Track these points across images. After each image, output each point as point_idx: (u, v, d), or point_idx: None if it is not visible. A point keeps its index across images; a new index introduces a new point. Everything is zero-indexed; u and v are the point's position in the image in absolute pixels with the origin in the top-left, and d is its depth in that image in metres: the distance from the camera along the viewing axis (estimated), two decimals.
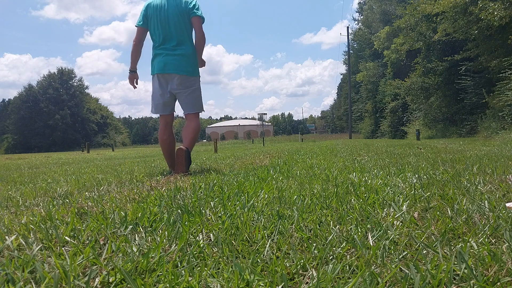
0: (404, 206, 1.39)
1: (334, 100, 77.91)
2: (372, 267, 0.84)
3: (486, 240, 1.00)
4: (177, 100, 3.39)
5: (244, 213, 1.36)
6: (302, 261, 0.89)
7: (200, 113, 3.40)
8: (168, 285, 0.78)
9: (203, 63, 3.49)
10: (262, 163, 4.14)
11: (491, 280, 0.75)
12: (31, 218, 1.44)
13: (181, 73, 3.20)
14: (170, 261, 0.92)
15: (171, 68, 3.19)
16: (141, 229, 1.22)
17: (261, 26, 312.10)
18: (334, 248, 0.98)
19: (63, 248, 1.02)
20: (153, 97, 3.35)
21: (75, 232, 1.19)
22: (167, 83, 3.24)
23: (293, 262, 0.90)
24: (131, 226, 1.24)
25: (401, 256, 0.91)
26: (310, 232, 1.15)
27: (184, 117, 3.46)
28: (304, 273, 0.85)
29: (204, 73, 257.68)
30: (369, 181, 2.13)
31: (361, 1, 42.06)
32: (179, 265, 0.91)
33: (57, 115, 61.21)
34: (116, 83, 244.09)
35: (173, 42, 3.20)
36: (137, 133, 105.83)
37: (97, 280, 0.81)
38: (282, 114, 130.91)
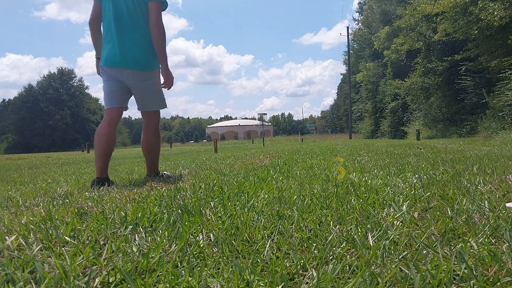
0: (404, 206, 1.39)
1: (334, 100, 77.99)
2: (372, 267, 0.84)
3: (486, 240, 1.00)
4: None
5: (244, 213, 1.36)
6: (302, 261, 0.89)
7: (159, 111, 2.89)
8: (168, 285, 0.78)
9: (168, 76, 2.75)
10: (262, 163, 4.14)
11: (491, 280, 0.75)
12: (31, 218, 1.44)
13: (131, 68, 2.66)
14: (170, 261, 0.92)
15: (119, 61, 2.64)
16: (141, 229, 1.22)
17: (262, 26, 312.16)
18: (334, 248, 0.98)
19: (63, 248, 1.02)
20: (103, 88, 2.79)
21: (75, 232, 1.19)
22: (115, 73, 2.70)
23: (293, 262, 0.90)
24: (131, 226, 1.24)
25: (401, 256, 0.91)
26: (310, 232, 1.15)
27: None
28: (304, 273, 0.85)
29: (204, 73, 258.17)
30: (369, 181, 2.13)
31: (361, 1, 42.09)
32: (179, 265, 0.91)
33: (57, 115, 61.28)
34: None
35: (123, 27, 2.62)
36: (137, 133, 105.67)
37: (97, 280, 0.81)
38: (282, 114, 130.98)
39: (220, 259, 0.93)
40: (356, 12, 51.82)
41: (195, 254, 0.97)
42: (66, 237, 1.13)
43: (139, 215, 1.39)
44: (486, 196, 1.54)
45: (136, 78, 2.70)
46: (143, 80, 2.72)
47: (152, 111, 2.86)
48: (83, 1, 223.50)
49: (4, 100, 69.60)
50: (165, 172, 3.06)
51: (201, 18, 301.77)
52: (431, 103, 19.54)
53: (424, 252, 0.93)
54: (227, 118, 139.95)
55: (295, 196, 1.67)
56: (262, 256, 0.95)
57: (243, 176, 2.68)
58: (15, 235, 1.13)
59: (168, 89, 2.83)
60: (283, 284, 0.77)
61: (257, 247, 1.02)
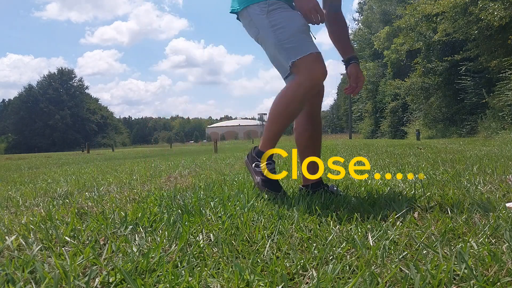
0: (404, 206, 1.39)
1: (334, 100, 77.66)
2: (372, 267, 0.84)
3: (486, 240, 1.00)
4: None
5: (244, 213, 1.36)
6: (302, 261, 0.89)
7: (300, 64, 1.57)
8: (168, 285, 0.78)
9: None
10: None
11: (491, 280, 0.75)
12: (31, 218, 1.44)
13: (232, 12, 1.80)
14: (170, 261, 0.92)
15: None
16: (141, 229, 1.22)
17: None
18: (334, 248, 0.98)
19: (63, 248, 1.02)
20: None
21: (75, 232, 1.19)
22: None
23: (293, 262, 0.90)
24: (131, 226, 1.24)
25: (401, 256, 0.91)
26: (310, 232, 1.15)
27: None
28: (304, 273, 0.85)
29: (205, 73, 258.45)
30: (369, 181, 2.13)
31: (361, 1, 42.04)
32: (179, 265, 0.91)
33: (57, 115, 61.39)
34: (117, 83, 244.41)
35: None
36: (137, 133, 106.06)
37: (97, 280, 0.81)
38: None
39: (220, 259, 0.93)
40: (356, 12, 51.68)
41: (195, 254, 0.97)
42: (66, 237, 1.13)
43: (139, 215, 1.39)
44: (486, 196, 1.54)
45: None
46: (247, 28, 1.78)
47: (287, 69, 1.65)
48: (83, 1, 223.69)
49: (4, 100, 69.81)
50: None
51: (201, 19, 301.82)
52: (431, 103, 19.54)
53: (424, 252, 0.93)
54: (227, 118, 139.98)
55: (295, 196, 1.67)
56: (262, 256, 0.95)
57: (243, 176, 2.68)
58: (15, 235, 1.13)
59: (316, 23, 1.65)
60: (283, 284, 0.77)
61: (257, 247, 1.02)
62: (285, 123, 1.70)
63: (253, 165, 1.75)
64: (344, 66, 1.90)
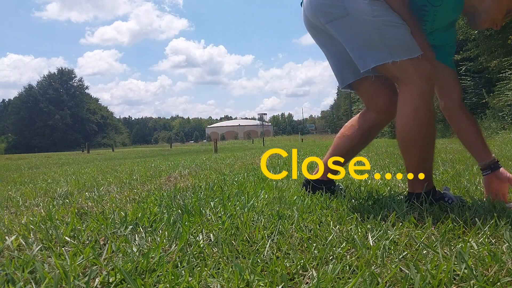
0: (404, 206, 1.38)
1: (334, 100, 77.84)
2: (372, 267, 0.84)
3: (486, 240, 1.00)
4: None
5: (244, 213, 1.36)
6: (302, 261, 0.89)
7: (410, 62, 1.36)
8: (168, 285, 0.78)
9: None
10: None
11: (491, 280, 0.75)
12: (31, 219, 1.44)
13: None
14: (170, 261, 0.92)
15: None
16: (141, 229, 1.22)
17: (262, 26, 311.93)
18: (334, 248, 0.98)
19: (63, 248, 1.02)
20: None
21: (75, 232, 1.19)
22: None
23: (293, 262, 0.90)
24: (131, 226, 1.24)
25: (401, 256, 0.91)
26: (310, 232, 1.15)
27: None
28: (304, 273, 0.85)
29: (205, 73, 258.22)
30: (369, 181, 2.13)
31: None
32: (179, 265, 0.91)
33: (57, 115, 61.46)
34: (117, 83, 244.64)
35: None
36: (137, 133, 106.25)
37: (97, 280, 0.81)
38: (282, 114, 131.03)
39: (220, 259, 0.93)
40: None
41: (195, 254, 0.97)
42: (66, 237, 1.13)
43: (139, 215, 1.39)
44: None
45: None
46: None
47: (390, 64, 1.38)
48: (83, 1, 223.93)
49: (4, 100, 69.92)
50: (446, 191, 1.52)
51: (202, 19, 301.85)
52: None
53: (424, 252, 0.93)
54: (227, 118, 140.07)
55: (295, 196, 1.67)
56: (262, 256, 0.95)
57: (243, 176, 2.69)
58: (15, 235, 1.13)
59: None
60: (283, 284, 0.77)
61: (257, 247, 1.02)
62: (433, 141, 1.46)
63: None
64: (485, 174, 1.53)
